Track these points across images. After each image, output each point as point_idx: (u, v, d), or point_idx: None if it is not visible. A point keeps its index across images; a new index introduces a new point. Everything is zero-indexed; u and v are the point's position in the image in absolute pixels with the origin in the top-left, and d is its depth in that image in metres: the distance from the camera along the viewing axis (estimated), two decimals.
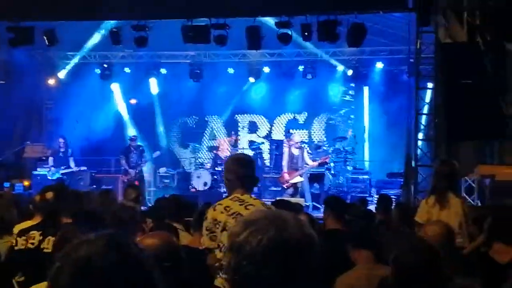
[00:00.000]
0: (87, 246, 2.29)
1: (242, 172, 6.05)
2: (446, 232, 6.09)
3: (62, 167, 20.64)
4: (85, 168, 21.44)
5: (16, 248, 6.52)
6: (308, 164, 19.84)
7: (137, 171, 21.00)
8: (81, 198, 7.77)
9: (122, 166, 21.53)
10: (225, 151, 23.11)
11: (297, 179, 19.68)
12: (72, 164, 20.84)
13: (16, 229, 7.13)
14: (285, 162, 19.97)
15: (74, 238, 2.36)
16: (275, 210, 2.68)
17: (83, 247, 2.29)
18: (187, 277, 4.44)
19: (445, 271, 4.55)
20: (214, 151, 23.42)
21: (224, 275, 2.70)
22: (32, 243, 6.48)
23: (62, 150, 20.87)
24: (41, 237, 6.49)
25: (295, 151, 19.88)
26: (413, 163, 17.03)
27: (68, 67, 24.44)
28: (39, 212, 7.56)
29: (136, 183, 19.56)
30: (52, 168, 20.59)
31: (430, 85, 18.04)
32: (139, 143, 21.73)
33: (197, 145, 25.01)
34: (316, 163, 20.18)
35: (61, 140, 21.09)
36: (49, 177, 20.39)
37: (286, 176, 19.73)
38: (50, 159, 20.98)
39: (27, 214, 8.07)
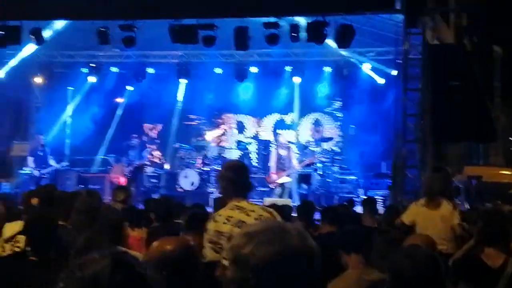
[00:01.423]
0: (93, 265, 2.30)
1: (236, 178, 5.96)
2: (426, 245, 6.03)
3: (43, 165, 20.45)
4: (67, 163, 21.30)
5: (4, 254, 6.51)
6: (294, 166, 19.89)
7: (132, 169, 21.00)
8: (70, 201, 7.72)
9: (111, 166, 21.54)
10: (213, 151, 23.18)
11: (284, 179, 19.73)
12: (52, 162, 20.65)
13: (7, 230, 7.11)
14: (272, 163, 20.00)
15: None
16: (276, 221, 2.70)
17: (89, 266, 2.30)
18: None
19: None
20: (201, 151, 23.45)
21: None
22: (18, 247, 6.48)
23: (40, 149, 20.71)
24: (26, 241, 6.48)
25: (283, 152, 19.93)
26: (400, 164, 17.05)
27: (54, 66, 24.37)
28: (25, 216, 7.56)
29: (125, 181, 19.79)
30: (35, 171, 20.40)
31: (417, 86, 18.07)
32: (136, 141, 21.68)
33: (184, 145, 24.89)
34: (302, 165, 20.26)
35: (40, 137, 20.95)
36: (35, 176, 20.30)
37: (274, 176, 19.77)
38: (30, 159, 20.80)
39: (15, 214, 8.05)
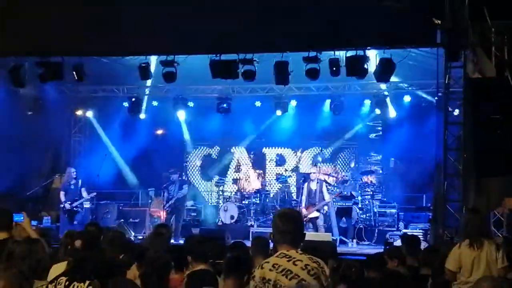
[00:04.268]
0: None
1: (287, 228, 5.91)
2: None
3: (76, 198, 20.51)
4: (94, 194, 21.35)
5: None
6: (326, 199, 19.76)
7: (171, 203, 21.05)
8: (115, 242, 7.76)
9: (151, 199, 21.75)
10: (253, 183, 23.28)
11: (314, 214, 19.60)
12: (84, 194, 20.73)
13: (53, 271, 7.17)
14: (304, 197, 19.94)
15: None
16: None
17: None
18: None
19: None
20: (240, 184, 23.55)
21: None
22: None
23: (72, 182, 20.74)
24: (67, 283, 6.55)
25: (313, 186, 19.84)
26: (441, 198, 16.91)
27: (97, 101, 24.60)
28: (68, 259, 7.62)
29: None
30: (66, 204, 20.41)
31: (458, 120, 17.95)
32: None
33: (222, 178, 24.99)
34: (332, 198, 20.11)
35: (72, 170, 20.98)
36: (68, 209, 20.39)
37: (304, 211, 19.68)
38: (62, 193, 20.81)
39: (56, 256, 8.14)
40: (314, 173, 20.35)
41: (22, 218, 9.24)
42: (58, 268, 7.18)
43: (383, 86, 21.68)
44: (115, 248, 7.72)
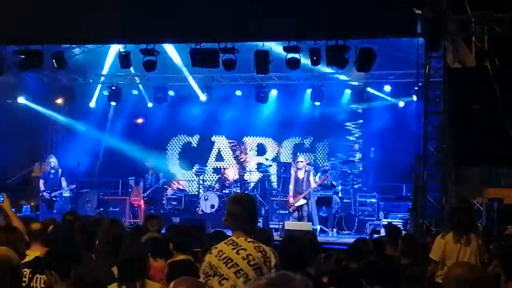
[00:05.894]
0: None
1: (237, 211, 5.94)
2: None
3: (55, 188, 20.48)
4: (74, 186, 21.27)
5: None
6: (311, 187, 19.74)
7: (149, 193, 21.13)
8: (92, 229, 7.70)
9: (131, 188, 21.78)
10: (233, 172, 23.26)
11: (301, 202, 19.58)
12: (64, 183, 20.67)
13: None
14: (291, 186, 19.89)
15: None
16: (280, 275, 2.89)
17: None
18: None
19: None
20: (221, 173, 23.52)
21: None
22: (24, 281, 6.47)
23: (52, 171, 20.65)
24: (30, 275, 6.55)
25: (300, 174, 19.80)
26: (421, 188, 16.95)
27: (75, 89, 24.49)
28: (38, 242, 7.56)
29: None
30: (45, 193, 20.39)
31: (438, 109, 17.98)
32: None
33: (203, 167, 24.91)
34: (317, 183, 20.08)
35: (52, 160, 20.90)
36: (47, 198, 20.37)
37: (291, 199, 19.66)
38: (41, 181, 20.76)
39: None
40: (301, 161, 20.23)
41: (1, 199, 9.19)
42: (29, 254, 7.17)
43: (363, 75, 21.65)
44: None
